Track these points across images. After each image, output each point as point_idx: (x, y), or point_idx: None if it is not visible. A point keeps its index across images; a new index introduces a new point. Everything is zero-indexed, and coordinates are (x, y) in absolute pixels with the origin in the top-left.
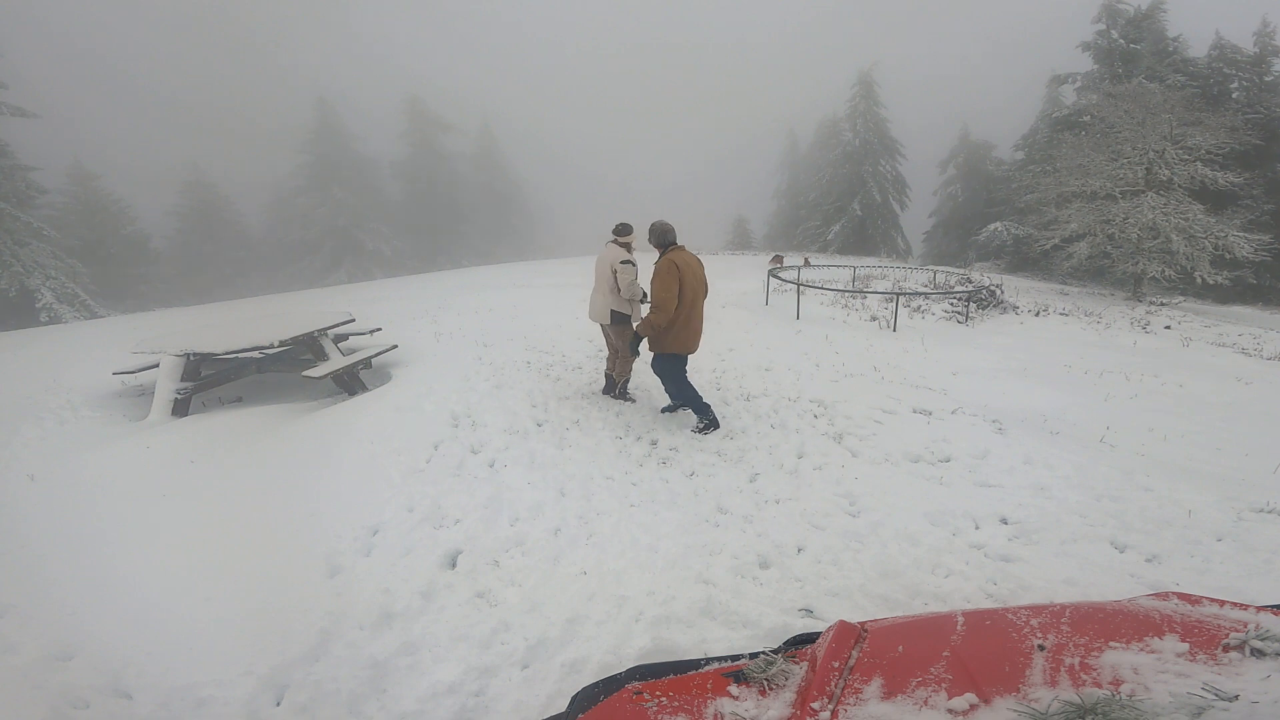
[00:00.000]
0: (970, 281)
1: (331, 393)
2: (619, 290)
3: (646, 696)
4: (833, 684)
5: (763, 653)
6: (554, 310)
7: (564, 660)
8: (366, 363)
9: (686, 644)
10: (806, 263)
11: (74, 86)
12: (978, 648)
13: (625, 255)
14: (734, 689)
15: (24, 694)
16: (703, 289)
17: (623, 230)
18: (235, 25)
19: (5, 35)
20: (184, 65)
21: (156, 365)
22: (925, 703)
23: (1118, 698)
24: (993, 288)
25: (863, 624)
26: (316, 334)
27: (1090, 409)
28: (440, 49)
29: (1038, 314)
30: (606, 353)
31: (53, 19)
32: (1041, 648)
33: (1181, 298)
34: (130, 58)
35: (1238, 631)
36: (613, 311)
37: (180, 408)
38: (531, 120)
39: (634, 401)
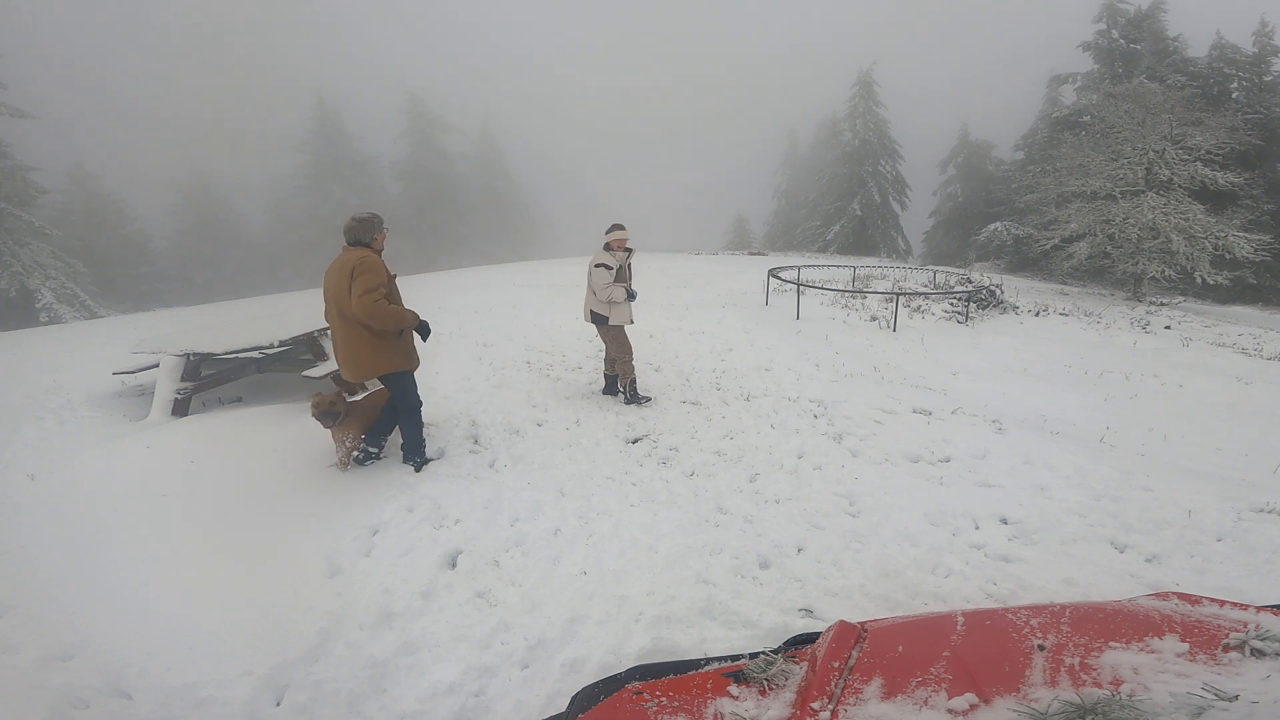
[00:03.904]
0: (970, 281)
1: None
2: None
3: (646, 696)
4: (833, 684)
5: (763, 653)
6: (554, 310)
7: (564, 660)
8: None
9: (686, 644)
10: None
11: (74, 91)
12: (978, 648)
13: (602, 257)
14: (734, 689)
15: (24, 694)
16: (333, 303)
17: (608, 230)
18: (234, 32)
19: (4, 40)
20: (184, 70)
21: (156, 365)
22: (925, 703)
23: (1118, 698)
24: (993, 288)
25: (863, 624)
26: (316, 334)
27: (1090, 409)
28: (440, 60)
29: (1038, 314)
30: (605, 353)
31: (51, 27)
32: (1041, 648)
33: (1181, 298)
34: (130, 63)
35: (1238, 631)
36: (591, 311)
37: (180, 408)
38: (530, 118)
39: (650, 400)
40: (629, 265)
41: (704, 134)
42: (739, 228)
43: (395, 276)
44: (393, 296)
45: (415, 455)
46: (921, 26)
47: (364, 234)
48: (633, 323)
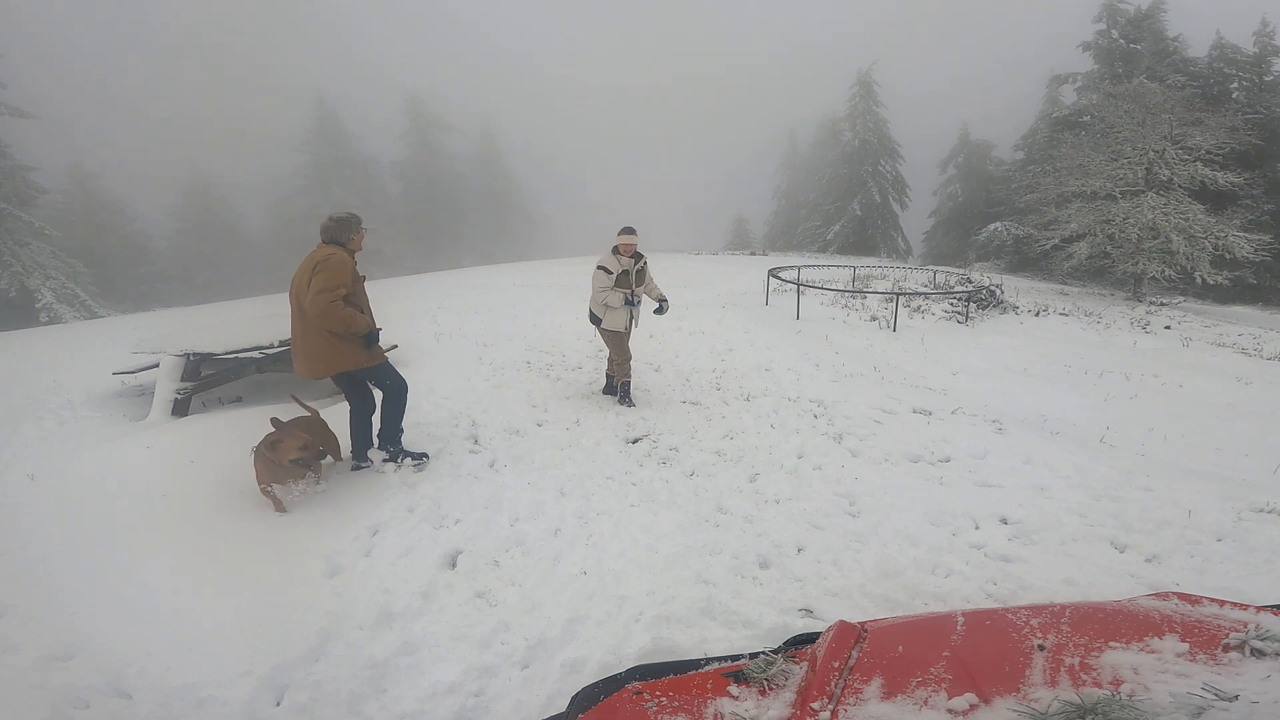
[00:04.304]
0: (970, 281)
1: (331, 393)
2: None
3: (646, 696)
4: (833, 684)
5: (763, 653)
6: (554, 310)
7: (564, 660)
8: None
9: (686, 644)
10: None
11: (74, 91)
12: (978, 648)
13: (606, 259)
14: (734, 689)
15: (24, 694)
16: (295, 297)
17: (619, 232)
18: (234, 32)
19: (4, 41)
20: (184, 70)
21: (156, 365)
22: (925, 703)
23: (1118, 698)
24: (993, 288)
25: (863, 624)
26: None
27: (1090, 409)
28: (440, 60)
29: (1038, 314)
30: (607, 353)
31: (50, 28)
32: (1041, 648)
33: (1181, 298)
34: (129, 63)
35: (1238, 631)
36: (590, 312)
37: (180, 408)
38: (530, 119)
39: (634, 405)
40: (637, 271)
41: (704, 134)
42: (739, 228)
43: (365, 279)
44: (356, 299)
45: (390, 443)
46: (921, 26)
47: (339, 233)
48: (626, 329)
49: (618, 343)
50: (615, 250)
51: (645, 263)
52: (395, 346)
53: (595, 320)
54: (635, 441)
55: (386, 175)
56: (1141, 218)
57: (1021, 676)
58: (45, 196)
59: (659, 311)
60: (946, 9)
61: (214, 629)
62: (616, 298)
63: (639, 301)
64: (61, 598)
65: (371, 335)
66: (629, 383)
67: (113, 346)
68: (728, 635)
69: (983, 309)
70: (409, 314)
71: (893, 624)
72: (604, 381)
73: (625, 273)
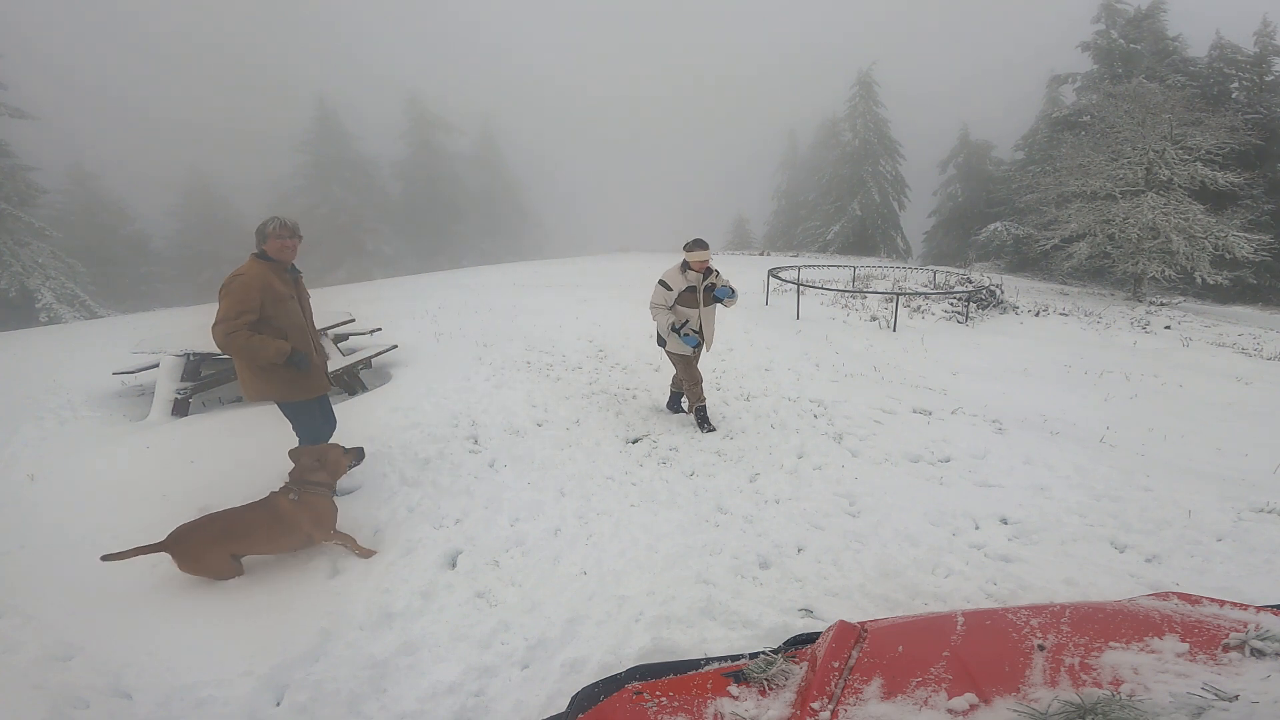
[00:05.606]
0: (970, 281)
1: (331, 393)
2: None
3: (646, 696)
4: (833, 684)
5: (763, 653)
6: (554, 310)
7: (564, 660)
8: (366, 363)
9: (686, 644)
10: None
11: (74, 94)
12: (978, 648)
13: (670, 274)
14: (734, 689)
15: (24, 694)
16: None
17: (687, 246)
18: (234, 34)
19: (4, 42)
20: (184, 72)
21: (156, 365)
22: (925, 703)
23: (1118, 698)
24: (993, 288)
25: (863, 624)
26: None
27: (1090, 409)
28: (440, 61)
29: (1038, 314)
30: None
31: (50, 32)
32: (1041, 648)
33: (1181, 298)
34: (130, 65)
35: (1238, 631)
36: (656, 333)
37: (180, 408)
38: (530, 119)
39: (714, 430)
40: (706, 288)
41: (704, 134)
42: (739, 228)
43: (293, 297)
44: (278, 320)
45: None
46: (922, 26)
47: (256, 243)
48: (688, 352)
49: (684, 366)
50: (684, 266)
51: (716, 276)
52: (395, 346)
53: (661, 342)
54: (635, 441)
55: (386, 175)
56: (1141, 218)
57: (1021, 676)
58: (45, 196)
59: (718, 298)
60: (946, 9)
61: (214, 629)
62: (665, 320)
63: (700, 342)
64: (61, 598)
65: (296, 358)
66: (704, 407)
67: (113, 346)
68: (728, 635)
69: (983, 309)
70: (409, 314)
71: (893, 624)
72: (667, 396)
73: (691, 289)
